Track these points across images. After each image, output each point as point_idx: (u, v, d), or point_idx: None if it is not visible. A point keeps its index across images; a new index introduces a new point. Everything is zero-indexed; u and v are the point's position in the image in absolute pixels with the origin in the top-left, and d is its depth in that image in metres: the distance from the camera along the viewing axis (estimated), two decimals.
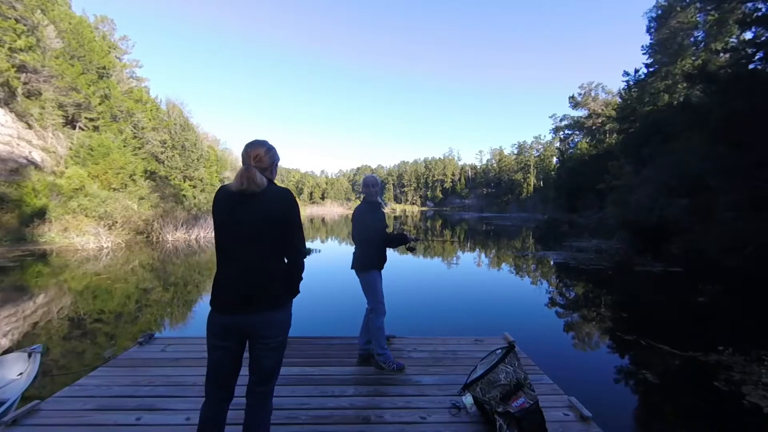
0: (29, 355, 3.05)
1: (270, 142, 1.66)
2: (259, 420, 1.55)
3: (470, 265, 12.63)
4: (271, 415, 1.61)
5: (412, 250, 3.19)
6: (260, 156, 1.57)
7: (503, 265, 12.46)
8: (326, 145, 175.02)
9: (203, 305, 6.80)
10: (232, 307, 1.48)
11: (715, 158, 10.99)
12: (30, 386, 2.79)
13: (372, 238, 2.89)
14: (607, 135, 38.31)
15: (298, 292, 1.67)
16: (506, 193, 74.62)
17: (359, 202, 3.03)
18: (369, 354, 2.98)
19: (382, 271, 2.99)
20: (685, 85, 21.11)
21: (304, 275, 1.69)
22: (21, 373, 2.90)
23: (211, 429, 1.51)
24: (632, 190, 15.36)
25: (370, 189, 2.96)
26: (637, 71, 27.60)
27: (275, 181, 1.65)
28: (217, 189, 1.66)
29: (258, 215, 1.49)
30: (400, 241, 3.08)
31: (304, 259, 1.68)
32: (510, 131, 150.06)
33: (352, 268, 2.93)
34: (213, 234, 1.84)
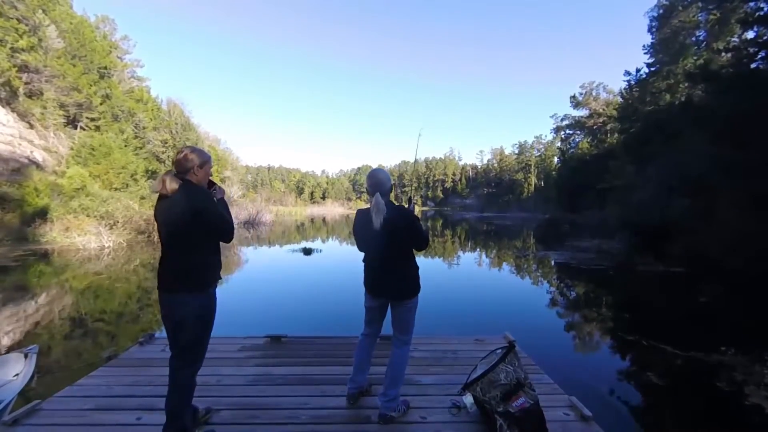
0: (25, 356, 3.04)
1: (198, 147, 1.95)
2: (174, 385, 1.84)
3: (471, 264, 12.61)
4: (194, 391, 1.90)
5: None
6: (179, 161, 1.87)
7: (504, 264, 12.45)
8: (327, 144, 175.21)
9: None
10: (162, 286, 1.84)
11: (716, 158, 10.96)
12: (26, 387, 2.78)
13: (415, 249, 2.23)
14: (609, 135, 38.17)
15: (231, 238, 1.96)
16: (507, 193, 74.47)
17: (362, 204, 2.65)
18: (364, 390, 2.40)
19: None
20: (686, 84, 21.01)
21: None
22: (17, 374, 2.88)
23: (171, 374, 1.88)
24: (633, 189, 15.33)
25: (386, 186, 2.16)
26: (638, 71, 27.45)
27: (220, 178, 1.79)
28: None
29: (171, 215, 1.80)
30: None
31: (228, 232, 1.92)
32: (511, 131, 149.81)
33: (398, 298, 2.17)
34: None
